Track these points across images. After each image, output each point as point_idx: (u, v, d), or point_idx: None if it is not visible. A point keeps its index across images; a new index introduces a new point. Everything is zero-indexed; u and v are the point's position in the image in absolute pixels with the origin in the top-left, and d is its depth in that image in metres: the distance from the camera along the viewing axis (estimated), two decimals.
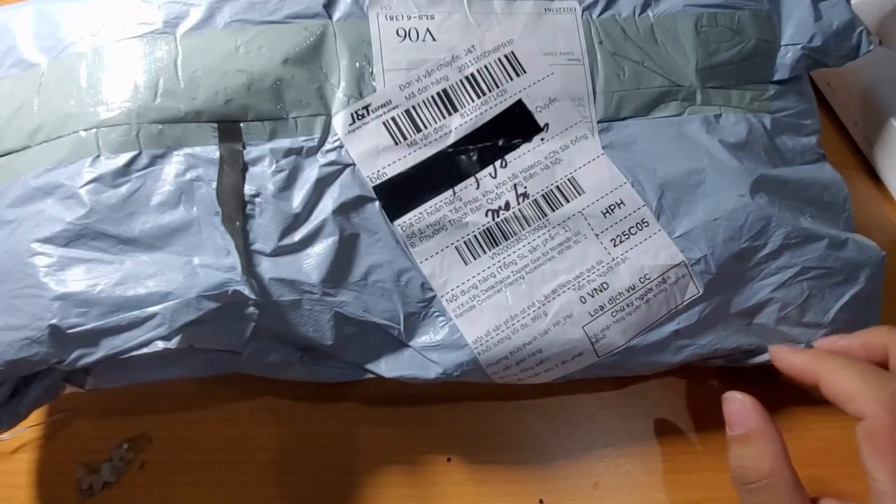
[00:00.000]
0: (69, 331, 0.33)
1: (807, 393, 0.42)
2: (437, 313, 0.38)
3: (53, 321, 0.33)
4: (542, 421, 0.42)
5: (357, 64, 0.38)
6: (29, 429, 0.41)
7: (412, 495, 0.40)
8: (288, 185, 0.37)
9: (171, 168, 0.36)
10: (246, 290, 0.34)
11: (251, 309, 0.35)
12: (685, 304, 0.39)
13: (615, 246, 0.39)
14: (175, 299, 0.34)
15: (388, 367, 0.38)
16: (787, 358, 0.36)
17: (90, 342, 0.34)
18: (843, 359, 0.34)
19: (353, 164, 0.38)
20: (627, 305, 0.38)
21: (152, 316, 0.33)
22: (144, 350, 0.33)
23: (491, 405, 0.42)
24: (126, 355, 0.34)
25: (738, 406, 0.33)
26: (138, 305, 0.34)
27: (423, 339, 0.38)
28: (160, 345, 0.33)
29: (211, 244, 0.35)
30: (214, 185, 0.36)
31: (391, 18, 0.39)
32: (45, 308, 0.33)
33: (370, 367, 0.38)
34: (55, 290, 0.33)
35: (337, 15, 0.39)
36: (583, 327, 0.38)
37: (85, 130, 0.35)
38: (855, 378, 0.32)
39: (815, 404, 0.42)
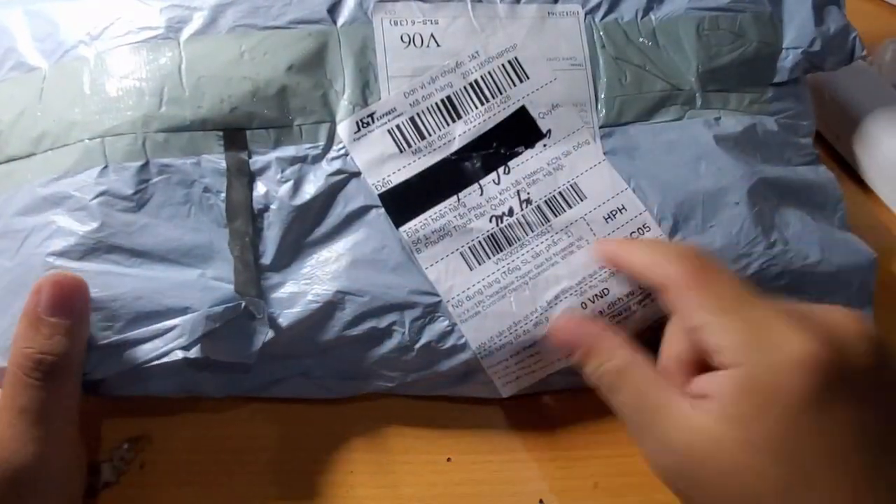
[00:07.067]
0: (97, 343, 0.34)
1: None
2: (441, 318, 0.38)
3: None
4: (542, 421, 0.42)
5: (361, 71, 0.38)
6: None
7: (412, 495, 0.41)
8: (294, 195, 0.37)
9: (179, 178, 0.36)
10: (257, 304, 0.34)
11: (262, 320, 0.35)
12: None
13: None
14: (192, 312, 0.34)
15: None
16: (597, 247, 0.38)
17: (114, 353, 0.34)
18: (632, 241, 0.38)
19: (359, 173, 0.38)
20: (625, 310, 0.39)
21: (173, 328, 0.34)
22: (165, 360, 0.34)
23: (491, 405, 0.42)
24: (146, 365, 0.34)
25: (568, 329, 0.35)
26: (159, 318, 0.34)
27: (426, 343, 0.38)
28: (180, 354, 0.34)
29: (221, 257, 0.36)
30: (222, 196, 0.36)
31: (395, 24, 0.39)
32: None
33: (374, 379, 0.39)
34: None
35: (341, 20, 0.38)
36: None
37: (90, 139, 0.35)
38: (646, 250, 0.35)
39: None
